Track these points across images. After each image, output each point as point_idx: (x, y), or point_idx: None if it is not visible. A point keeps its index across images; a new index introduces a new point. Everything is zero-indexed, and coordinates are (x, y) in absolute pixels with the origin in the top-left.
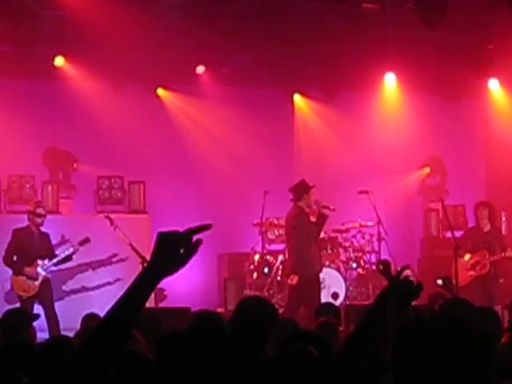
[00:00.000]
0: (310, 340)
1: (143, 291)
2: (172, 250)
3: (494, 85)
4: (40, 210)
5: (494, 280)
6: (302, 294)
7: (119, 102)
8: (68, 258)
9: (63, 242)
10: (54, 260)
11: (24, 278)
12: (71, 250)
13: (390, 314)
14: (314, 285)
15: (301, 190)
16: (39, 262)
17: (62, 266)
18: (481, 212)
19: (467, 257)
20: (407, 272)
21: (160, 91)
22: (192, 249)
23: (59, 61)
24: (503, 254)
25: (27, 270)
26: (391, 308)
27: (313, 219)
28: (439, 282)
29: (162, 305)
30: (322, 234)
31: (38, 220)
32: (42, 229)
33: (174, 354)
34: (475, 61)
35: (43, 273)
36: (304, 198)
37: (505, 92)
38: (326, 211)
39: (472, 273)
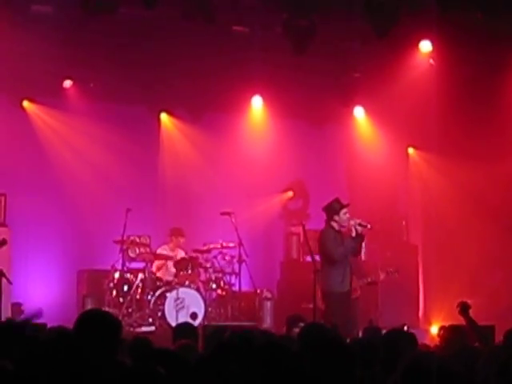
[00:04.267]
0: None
1: None
2: None
3: (359, 113)
4: None
5: (358, 303)
6: (329, 311)
7: None
8: None
9: None
10: None
11: None
12: None
13: None
14: (339, 304)
15: (331, 209)
16: None
17: None
18: None
19: None
20: None
21: (26, 104)
22: None
23: None
24: (373, 278)
25: None
26: None
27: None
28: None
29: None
30: (183, 254)
31: None
32: None
33: None
34: (342, 88)
35: None
36: (334, 219)
37: (369, 120)
38: (359, 229)
39: None
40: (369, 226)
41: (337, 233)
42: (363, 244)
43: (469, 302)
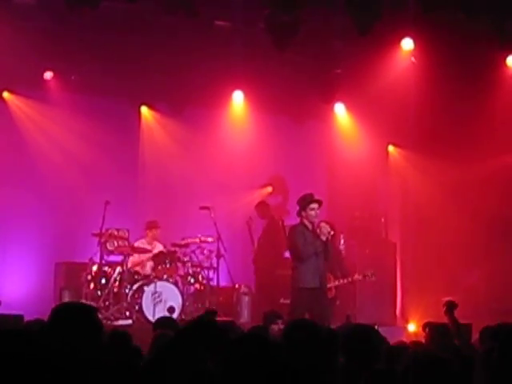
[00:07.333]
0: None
1: None
2: None
3: (339, 109)
4: None
5: (333, 302)
6: (292, 306)
7: None
8: None
9: None
10: None
11: None
12: None
13: None
14: (303, 299)
15: (300, 205)
16: None
17: None
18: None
19: None
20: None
21: (6, 95)
22: None
23: None
24: (349, 279)
25: None
26: None
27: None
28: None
29: None
30: (161, 247)
31: None
32: None
33: None
34: (323, 84)
35: None
36: (302, 215)
37: (350, 117)
38: (323, 237)
39: None
40: (330, 234)
41: (307, 229)
42: (341, 241)
43: (455, 301)
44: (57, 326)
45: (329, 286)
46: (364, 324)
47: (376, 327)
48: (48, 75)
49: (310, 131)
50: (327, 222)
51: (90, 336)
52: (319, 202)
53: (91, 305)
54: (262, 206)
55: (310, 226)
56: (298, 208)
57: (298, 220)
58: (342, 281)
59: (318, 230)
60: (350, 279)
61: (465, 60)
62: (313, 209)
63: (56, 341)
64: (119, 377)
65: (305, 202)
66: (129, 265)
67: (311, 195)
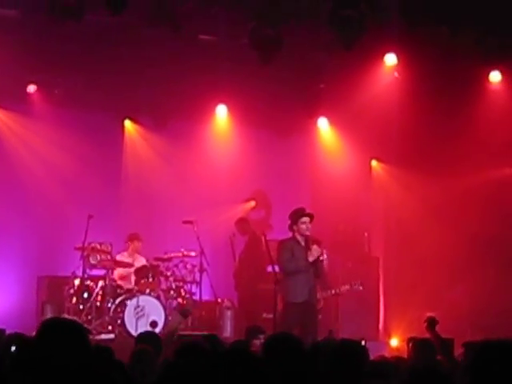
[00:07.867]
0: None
1: None
2: None
3: (323, 124)
4: None
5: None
6: (279, 320)
7: None
8: None
9: None
10: None
11: None
12: None
13: None
14: (289, 313)
15: (292, 219)
16: None
17: None
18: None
19: None
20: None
21: None
22: None
23: None
24: (338, 290)
25: None
26: None
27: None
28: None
29: None
30: (143, 261)
31: None
32: None
33: None
34: (307, 98)
35: None
36: (293, 229)
37: (333, 131)
38: (310, 258)
39: None
40: (321, 258)
41: (298, 244)
42: (325, 255)
43: (435, 317)
44: (45, 342)
45: (318, 296)
46: (351, 339)
47: (363, 342)
48: (31, 88)
49: (293, 146)
50: (319, 243)
51: (79, 355)
52: (310, 216)
53: (83, 325)
54: (241, 222)
55: (302, 241)
56: (289, 222)
57: (281, 234)
58: (329, 292)
59: (308, 252)
60: (338, 290)
61: (448, 75)
62: (304, 222)
63: (43, 356)
64: None
65: (296, 215)
66: (115, 277)
67: (302, 209)
